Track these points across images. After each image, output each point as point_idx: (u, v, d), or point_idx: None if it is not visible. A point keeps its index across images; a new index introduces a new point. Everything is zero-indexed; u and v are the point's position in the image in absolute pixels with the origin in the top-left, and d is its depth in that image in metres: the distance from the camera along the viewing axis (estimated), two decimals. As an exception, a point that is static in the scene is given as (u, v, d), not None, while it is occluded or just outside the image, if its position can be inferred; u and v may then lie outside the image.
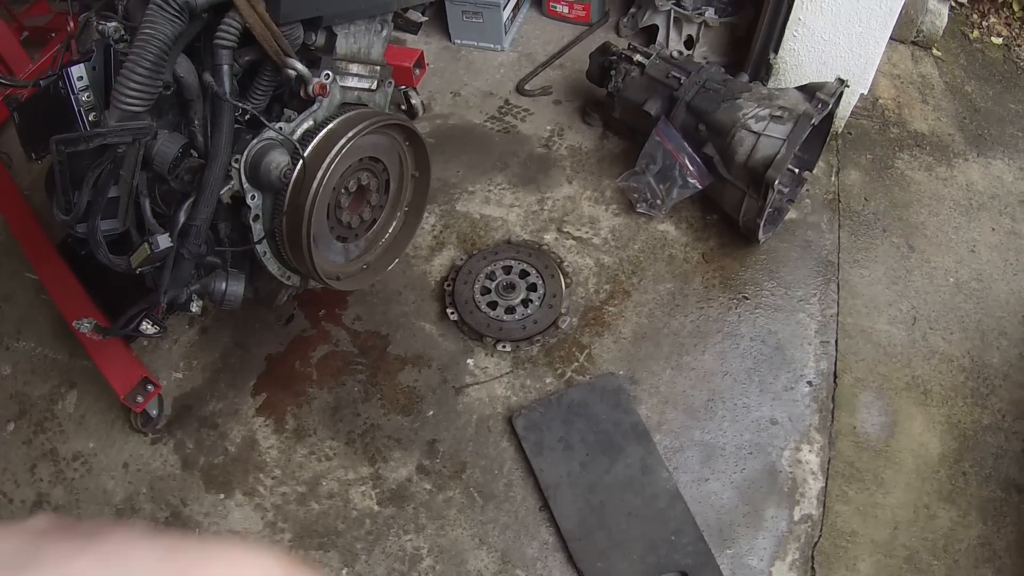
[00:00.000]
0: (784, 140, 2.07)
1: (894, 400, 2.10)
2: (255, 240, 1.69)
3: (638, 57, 2.40)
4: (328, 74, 1.69)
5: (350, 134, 1.63)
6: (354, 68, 1.78)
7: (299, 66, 1.58)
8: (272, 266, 1.81)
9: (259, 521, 2.07)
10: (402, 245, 2.06)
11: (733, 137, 2.17)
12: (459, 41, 3.03)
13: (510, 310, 2.26)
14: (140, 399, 2.11)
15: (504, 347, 2.22)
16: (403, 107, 2.75)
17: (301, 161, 1.62)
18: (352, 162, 1.78)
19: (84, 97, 1.45)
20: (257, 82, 1.62)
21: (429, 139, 2.78)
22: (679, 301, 2.31)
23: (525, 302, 2.27)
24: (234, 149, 1.60)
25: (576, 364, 2.21)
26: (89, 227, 1.60)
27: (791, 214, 2.45)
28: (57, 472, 2.24)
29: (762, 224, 2.21)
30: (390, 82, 1.92)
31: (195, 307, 1.83)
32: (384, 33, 1.84)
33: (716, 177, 2.28)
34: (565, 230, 2.48)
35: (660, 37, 2.79)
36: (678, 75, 2.31)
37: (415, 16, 2.05)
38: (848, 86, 2.20)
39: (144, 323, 1.79)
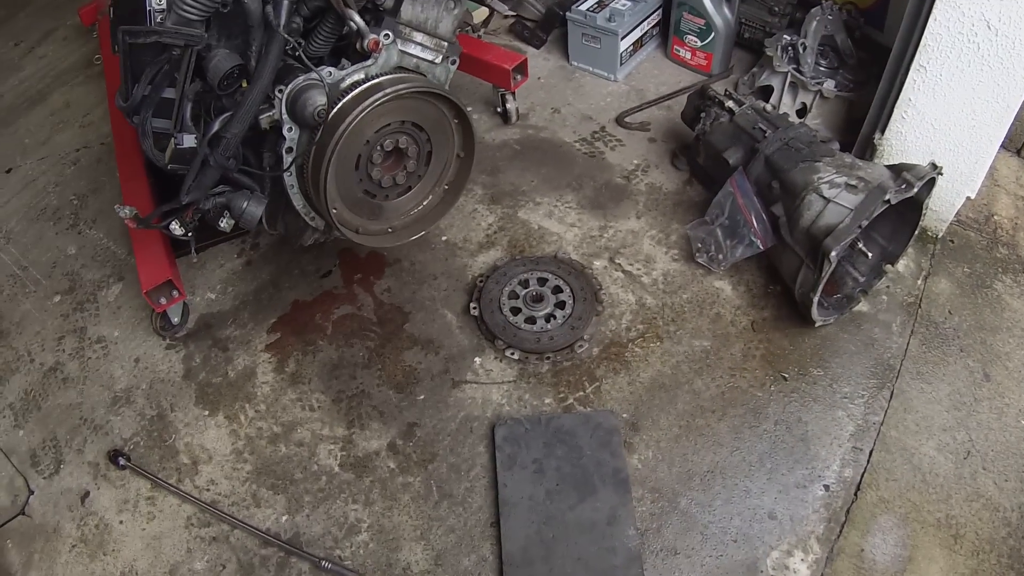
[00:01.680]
0: (851, 211, 1.93)
1: (918, 534, 1.86)
2: (283, 169, 1.77)
3: (730, 104, 2.34)
4: (388, 34, 1.77)
5: (389, 91, 1.70)
6: (418, 36, 1.85)
7: (357, 18, 1.68)
8: (297, 201, 1.89)
9: (228, 445, 2.13)
10: (433, 219, 2.09)
11: (803, 200, 2.05)
12: (575, 63, 3.08)
13: (531, 320, 2.23)
14: (163, 300, 2.25)
15: (513, 354, 2.18)
16: (499, 109, 2.83)
17: (335, 104, 1.69)
18: (392, 122, 1.84)
19: (157, 2, 1.59)
20: (321, 27, 1.73)
21: (515, 145, 2.84)
22: (711, 362, 2.18)
23: (548, 317, 2.23)
24: (284, 82, 1.70)
25: (581, 393, 2.13)
26: (141, 119, 1.76)
27: (862, 306, 2.27)
28: (79, 348, 2.42)
29: (816, 300, 2.06)
30: (454, 60, 1.98)
31: (224, 223, 1.94)
32: (456, 11, 1.90)
33: (779, 240, 2.15)
34: (617, 261, 2.42)
35: (773, 99, 2.71)
36: (764, 128, 2.22)
37: (498, 6, 2.11)
38: (942, 173, 2.03)
39: (173, 223, 1.92)
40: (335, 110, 1.74)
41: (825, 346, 2.21)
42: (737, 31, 2.93)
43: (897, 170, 2.05)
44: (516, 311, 2.26)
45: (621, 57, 2.92)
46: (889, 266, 2.26)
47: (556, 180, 2.70)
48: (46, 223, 2.86)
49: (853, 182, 1.99)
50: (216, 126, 1.67)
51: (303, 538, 1.94)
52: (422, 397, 2.18)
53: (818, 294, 2.05)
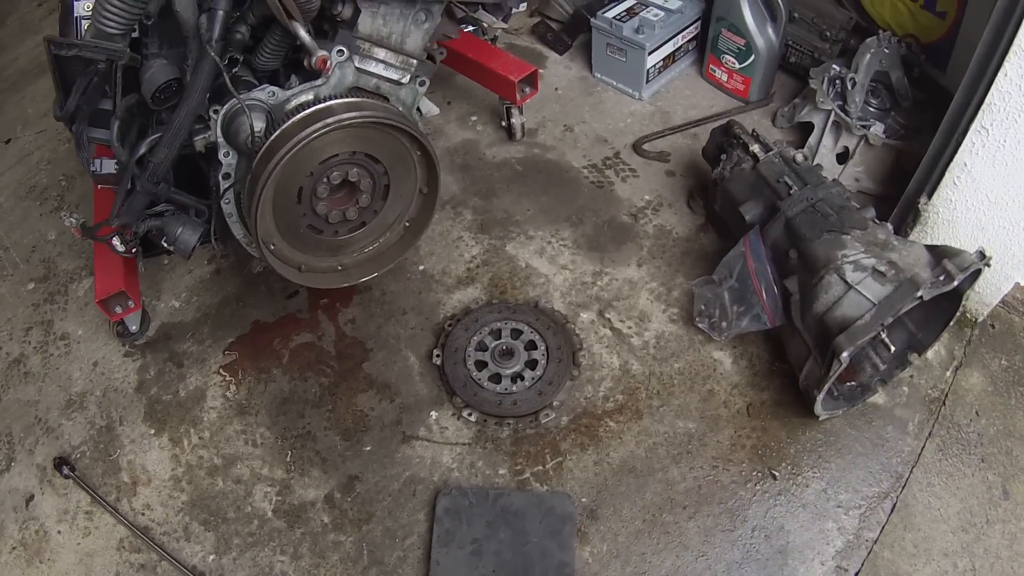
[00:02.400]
0: (874, 305, 1.66)
1: None
2: (218, 196, 1.62)
3: (755, 147, 2.06)
4: (342, 50, 1.58)
5: (331, 121, 1.51)
6: (380, 53, 1.65)
7: (302, 32, 1.49)
8: (237, 231, 1.75)
9: (168, 470, 2.06)
10: (390, 259, 1.92)
11: (821, 279, 1.79)
12: (599, 75, 2.82)
13: (496, 378, 2.04)
14: (118, 309, 2.15)
15: (470, 415, 2.00)
16: (503, 123, 2.61)
17: (277, 128, 1.52)
18: (341, 152, 1.65)
19: (83, 8, 1.45)
20: (267, 40, 1.55)
21: (517, 166, 2.62)
22: (693, 448, 1.96)
23: (515, 377, 2.04)
24: (221, 102, 1.54)
25: (540, 468, 1.95)
26: (76, 130, 1.63)
27: (878, 397, 2.00)
28: (43, 343, 2.38)
29: (821, 397, 1.82)
30: (423, 81, 1.78)
31: (166, 243, 1.82)
32: (426, 25, 1.69)
33: (788, 320, 1.90)
34: (607, 315, 2.20)
35: (812, 139, 2.40)
36: (791, 183, 1.95)
37: (488, 19, 1.88)
38: (989, 264, 1.75)
39: (115, 239, 1.82)
40: (276, 134, 1.57)
41: (827, 442, 1.96)
42: (783, 54, 2.62)
43: (937, 255, 1.77)
44: (482, 365, 2.07)
45: (648, 74, 2.65)
46: (916, 356, 1.98)
47: (555, 211, 2.48)
48: (32, 202, 2.81)
49: (882, 267, 1.72)
50: (143, 149, 1.54)
51: (226, 585, 1.85)
52: (368, 448, 2.03)
53: (823, 393, 1.80)
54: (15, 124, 3.13)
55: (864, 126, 2.29)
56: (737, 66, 2.58)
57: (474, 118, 2.81)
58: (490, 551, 1.80)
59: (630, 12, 2.64)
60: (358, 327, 2.27)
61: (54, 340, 2.40)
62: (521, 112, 2.58)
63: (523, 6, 2.84)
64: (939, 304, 1.91)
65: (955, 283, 1.72)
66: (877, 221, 1.93)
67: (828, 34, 2.51)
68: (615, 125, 2.70)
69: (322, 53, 1.55)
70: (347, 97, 1.61)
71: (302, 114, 1.57)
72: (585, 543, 1.83)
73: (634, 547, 1.83)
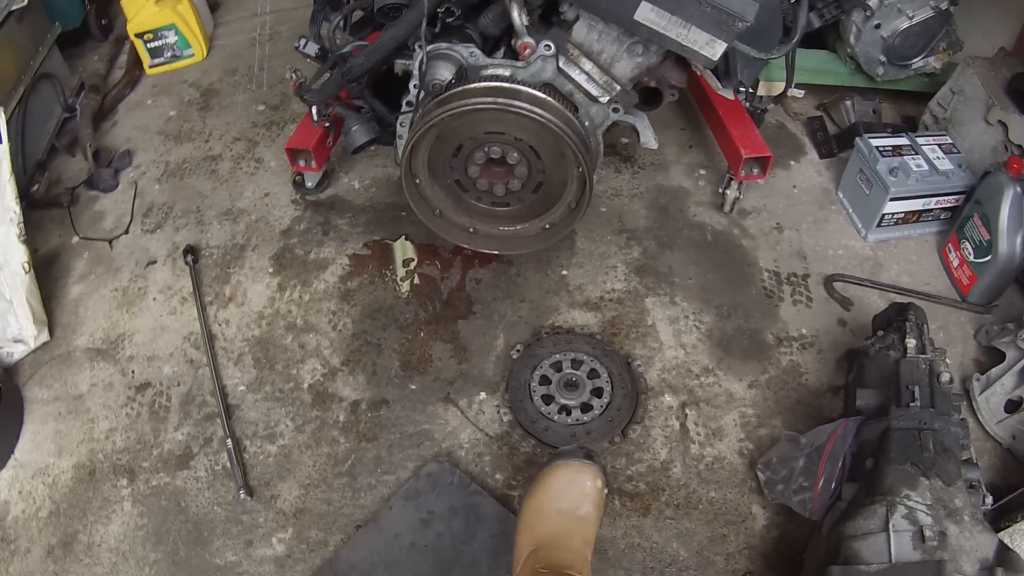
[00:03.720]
0: (890, 564, 1.60)
1: None
2: (395, 116, 1.96)
3: (910, 342, 1.98)
4: (549, 45, 1.80)
5: (502, 99, 1.74)
6: (587, 64, 1.84)
7: (515, 15, 1.73)
8: (400, 153, 2.07)
9: (260, 305, 2.51)
10: (519, 247, 2.14)
11: (870, 504, 1.72)
12: (840, 195, 2.76)
13: (548, 399, 2.20)
14: (301, 163, 2.60)
15: (505, 413, 2.20)
16: (720, 190, 2.71)
17: (465, 83, 1.81)
18: (509, 133, 1.89)
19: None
20: (492, 7, 1.82)
21: (708, 235, 2.68)
22: (669, 574, 1.99)
23: (566, 409, 2.19)
24: (431, 41, 1.85)
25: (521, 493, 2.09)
26: (313, 12, 2.07)
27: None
28: (241, 155, 3.01)
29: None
30: (617, 107, 1.94)
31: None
32: (640, 59, 1.84)
33: (819, 520, 1.87)
34: (687, 411, 2.25)
35: (995, 371, 2.20)
36: (917, 396, 1.86)
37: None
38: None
39: (314, 108, 2.25)
40: (458, 89, 1.85)
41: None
42: (1024, 271, 2.43)
43: (1000, 558, 1.63)
44: (546, 380, 2.24)
45: (882, 219, 2.56)
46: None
47: (712, 293, 2.52)
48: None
49: (930, 533, 1.63)
50: (347, 48, 1.91)
51: (237, 413, 2.23)
52: (414, 387, 2.29)
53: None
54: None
55: (1053, 390, 2.09)
56: (971, 258, 2.42)
57: (702, 172, 2.90)
58: (436, 529, 1.96)
59: (896, 151, 2.55)
60: (478, 289, 2.50)
61: (249, 158, 2.94)
62: (740, 188, 2.64)
63: (800, 93, 2.87)
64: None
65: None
66: (974, 486, 1.80)
67: (1081, 272, 2.29)
68: (823, 250, 2.65)
69: (527, 39, 1.79)
70: (539, 89, 1.85)
71: (489, 83, 1.83)
72: None
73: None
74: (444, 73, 1.83)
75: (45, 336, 2.40)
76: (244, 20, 3.78)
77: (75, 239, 2.72)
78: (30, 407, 2.27)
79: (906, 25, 2.76)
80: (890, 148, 2.57)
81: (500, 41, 1.99)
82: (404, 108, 1.97)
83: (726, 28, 1.75)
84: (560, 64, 1.87)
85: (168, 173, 2.93)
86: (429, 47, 1.85)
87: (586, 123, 1.97)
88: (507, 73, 1.87)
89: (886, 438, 1.87)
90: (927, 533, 1.66)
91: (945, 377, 1.94)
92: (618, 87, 1.91)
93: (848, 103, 3.01)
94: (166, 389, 2.30)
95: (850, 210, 2.74)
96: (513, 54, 1.92)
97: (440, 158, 1.98)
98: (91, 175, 2.89)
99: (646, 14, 1.74)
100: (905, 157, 2.54)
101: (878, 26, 2.79)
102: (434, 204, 2.10)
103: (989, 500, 1.79)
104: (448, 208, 2.11)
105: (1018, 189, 2.32)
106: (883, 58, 2.88)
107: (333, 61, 2.07)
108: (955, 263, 2.53)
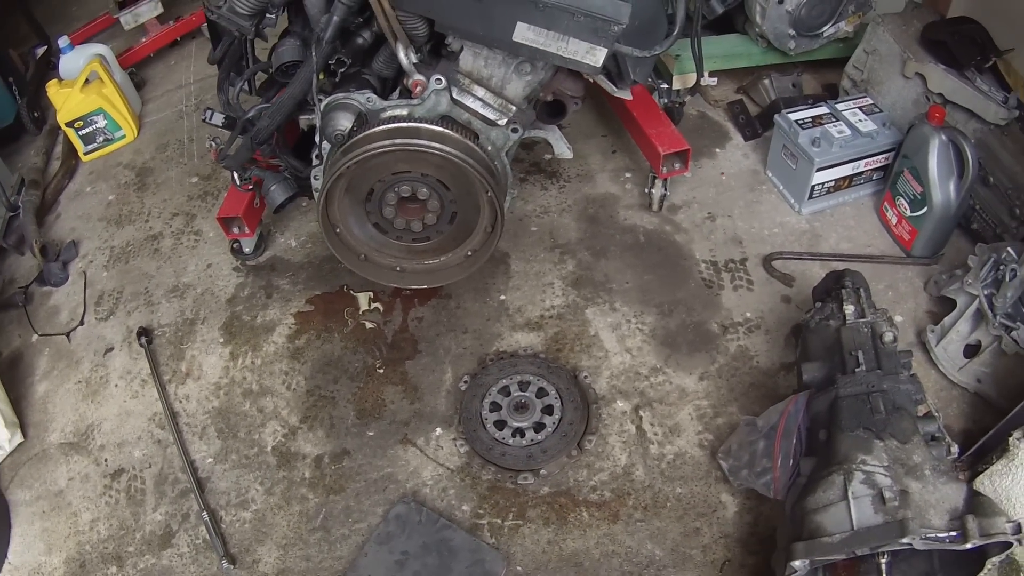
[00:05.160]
0: (852, 531, 1.67)
1: None
2: (303, 172, 2.06)
3: (848, 308, 2.05)
4: (440, 79, 1.91)
5: (399, 140, 1.86)
6: (479, 91, 1.95)
7: (402, 53, 1.85)
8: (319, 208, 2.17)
9: (216, 376, 2.60)
10: (447, 278, 2.24)
11: (828, 475, 1.79)
12: (769, 174, 2.87)
13: (500, 424, 2.29)
14: (235, 230, 2.71)
15: (462, 445, 2.28)
16: (646, 190, 2.80)
17: (366, 129, 1.91)
18: (411, 169, 1.99)
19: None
20: (381, 51, 1.93)
21: (641, 236, 2.78)
22: (647, 575, 2.07)
23: (519, 431, 2.27)
24: (329, 93, 1.96)
25: (499, 521, 2.16)
26: (220, 75, 2.18)
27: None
28: (180, 231, 3.10)
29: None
30: (516, 128, 2.04)
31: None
32: (528, 77, 1.95)
33: (785, 499, 1.94)
34: (641, 413, 2.33)
35: (947, 319, 2.28)
36: (862, 360, 1.93)
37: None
38: (1022, 543, 1.64)
39: (235, 174, 2.35)
40: (360, 135, 1.95)
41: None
42: (966, 216, 2.52)
43: (969, 505, 1.70)
44: (495, 407, 2.33)
45: (813, 190, 2.66)
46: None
47: (651, 294, 2.62)
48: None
49: (890, 494, 1.69)
50: (251, 112, 2.01)
51: (209, 484, 2.33)
52: (371, 434, 2.38)
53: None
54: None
55: (1006, 327, 2.16)
56: (908, 213, 2.51)
57: (628, 175, 3.01)
58: (411, 568, 2.05)
59: (816, 121, 2.66)
60: (421, 327, 2.61)
61: (189, 232, 3.05)
62: (664, 185, 2.73)
63: (714, 80, 2.97)
64: (961, 560, 1.82)
65: (968, 544, 1.65)
66: (936, 438, 1.87)
67: (1017, 211, 2.35)
68: (759, 231, 2.76)
69: (418, 77, 1.90)
70: (437, 123, 1.94)
71: (388, 125, 1.94)
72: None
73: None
74: (344, 122, 1.94)
75: (19, 437, 2.51)
76: (171, 93, 3.90)
77: (34, 337, 2.83)
78: (15, 509, 2.38)
79: (807, -5, 2.86)
80: (809, 120, 2.67)
81: (397, 81, 2.09)
82: (315, 162, 2.07)
83: (603, 34, 1.86)
84: (454, 95, 1.98)
85: (114, 258, 3.03)
86: (327, 99, 1.96)
87: (488, 148, 2.07)
88: (405, 112, 1.98)
89: (835, 407, 1.95)
90: (887, 495, 1.73)
91: (888, 337, 2.02)
92: (514, 108, 2.02)
93: (766, 82, 3.12)
94: (139, 472, 2.40)
95: (781, 187, 2.84)
96: (408, 93, 2.02)
97: (355, 204, 2.08)
98: (41, 271, 3.01)
99: (524, 34, 1.86)
100: (826, 126, 2.65)
101: (781, 1, 2.90)
102: (358, 250, 2.20)
103: (955, 449, 1.85)
104: (372, 251, 2.21)
105: (943, 137, 2.42)
106: (792, 31, 3.00)
107: (242, 126, 2.17)
108: (893, 221, 2.62)
